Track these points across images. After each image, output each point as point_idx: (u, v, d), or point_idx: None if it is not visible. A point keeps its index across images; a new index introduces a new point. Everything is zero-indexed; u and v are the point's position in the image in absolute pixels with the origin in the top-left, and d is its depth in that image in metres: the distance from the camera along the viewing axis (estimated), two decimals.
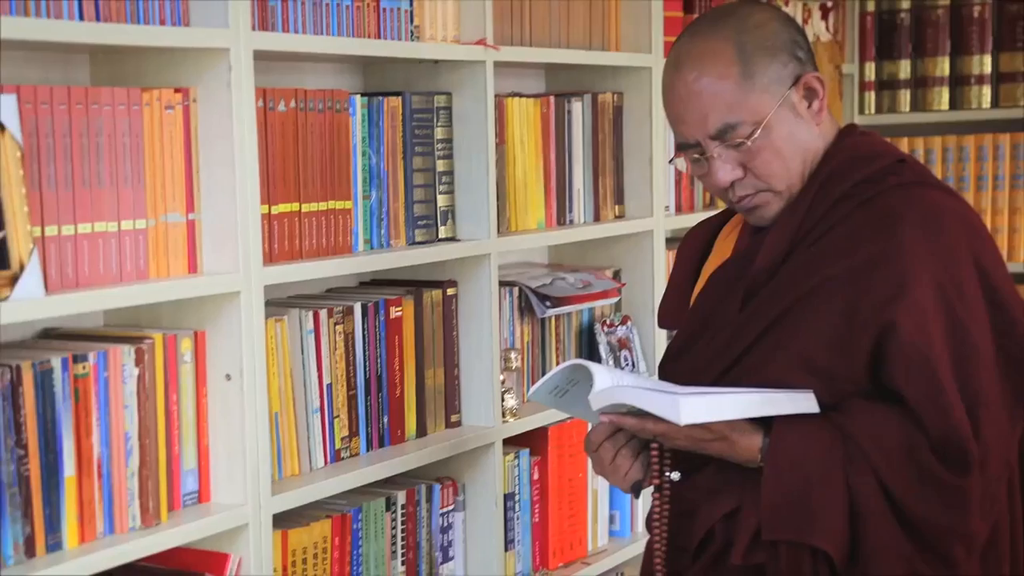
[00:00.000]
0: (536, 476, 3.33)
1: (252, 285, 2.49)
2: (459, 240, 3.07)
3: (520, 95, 3.32)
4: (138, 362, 2.32)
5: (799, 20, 4.23)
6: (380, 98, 2.87)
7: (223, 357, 2.48)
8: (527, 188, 3.30)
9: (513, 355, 3.23)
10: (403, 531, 2.93)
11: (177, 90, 2.42)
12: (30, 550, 2.16)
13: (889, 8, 4.69)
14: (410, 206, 2.94)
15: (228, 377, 2.48)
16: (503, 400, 3.15)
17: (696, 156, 2.20)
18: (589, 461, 2.35)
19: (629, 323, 3.65)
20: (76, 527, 2.24)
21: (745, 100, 2.14)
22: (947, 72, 4.59)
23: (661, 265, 3.71)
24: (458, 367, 3.10)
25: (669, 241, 3.74)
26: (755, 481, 2.11)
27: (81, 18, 2.25)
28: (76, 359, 2.23)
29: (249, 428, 2.49)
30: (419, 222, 2.96)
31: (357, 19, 2.78)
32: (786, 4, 4.21)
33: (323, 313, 2.74)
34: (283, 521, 2.62)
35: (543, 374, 3.09)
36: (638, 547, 3.51)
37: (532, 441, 3.32)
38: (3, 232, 2.09)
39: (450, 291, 3.06)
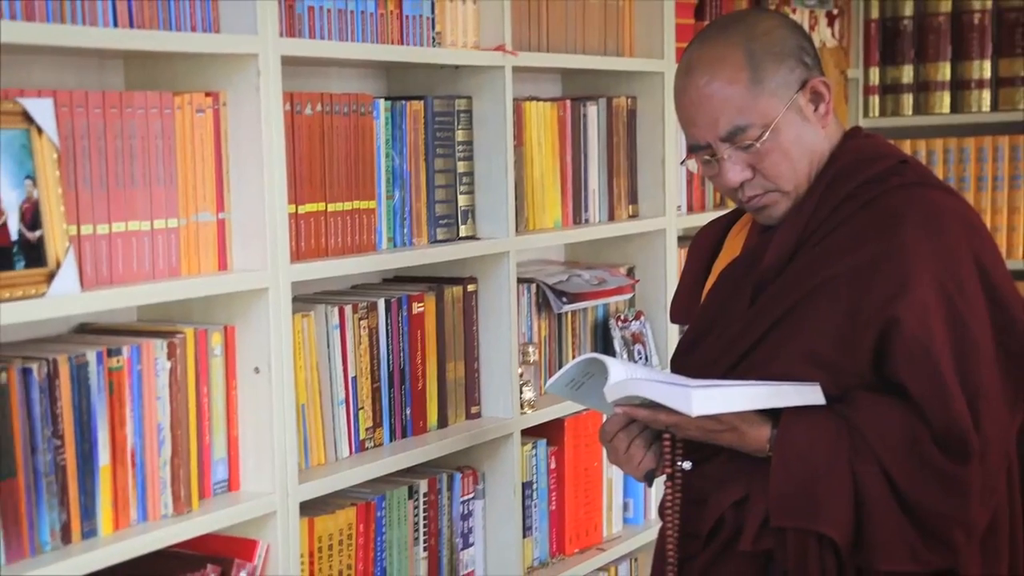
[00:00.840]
0: (553, 465, 3.34)
1: (280, 282, 2.51)
2: (479, 238, 3.08)
3: (537, 99, 3.33)
4: (170, 356, 2.34)
5: (806, 27, 4.21)
6: (403, 102, 2.88)
7: (252, 351, 2.50)
8: (544, 188, 3.32)
9: (531, 349, 3.24)
10: (425, 518, 2.94)
11: (208, 94, 2.44)
12: (66, 536, 2.18)
13: (892, 15, 4.68)
14: (432, 206, 2.96)
15: (257, 370, 2.50)
16: (521, 392, 3.16)
17: (707, 158, 2.22)
18: (604, 451, 2.37)
19: (642, 318, 3.66)
20: (110, 514, 2.26)
21: (754, 104, 2.16)
22: (948, 77, 4.60)
23: (673, 263, 3.72)
24: (478, 360, 3.11)
25: (681, 239, 3.74)
26: (763, 470, 2.13)
27: (116, 25, 2.26)
28: (110, 353, 2.25)
29: (277, 419, 2.50)
30: (440, 221, 2.98)
31: (381, 26, 2.79)
32: (793, 11, 4.21)
33: (348, 309, 2.75)
34: (309, 509, 2.64)
35: (560, 367, 3.09)
36: (651, 534, 3.52)
37: (549, 432, 3.33)
38: (40, 231, 2.11)
39: (470, 287, 3.07)
